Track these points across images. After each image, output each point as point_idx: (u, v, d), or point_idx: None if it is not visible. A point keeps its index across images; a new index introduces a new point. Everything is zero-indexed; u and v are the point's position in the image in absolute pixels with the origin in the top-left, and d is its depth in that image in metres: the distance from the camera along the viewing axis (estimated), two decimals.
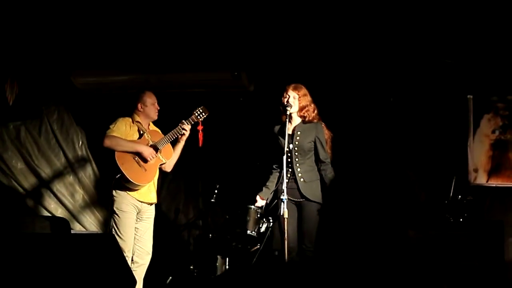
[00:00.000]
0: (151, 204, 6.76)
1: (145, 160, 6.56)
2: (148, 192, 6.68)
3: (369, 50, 7.87)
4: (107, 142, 6.47)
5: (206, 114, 6.84)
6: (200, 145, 6.91)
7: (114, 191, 6.55)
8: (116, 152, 6.44)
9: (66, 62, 8.48)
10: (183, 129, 6.71)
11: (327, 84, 8.16)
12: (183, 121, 6.73)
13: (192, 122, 6.77)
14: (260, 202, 6.82)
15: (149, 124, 6.83)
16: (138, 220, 6.66)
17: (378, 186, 8.11)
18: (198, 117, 6.80)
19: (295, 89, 6.64)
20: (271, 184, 6.79)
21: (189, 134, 6.78)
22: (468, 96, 8.16)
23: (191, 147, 7.01)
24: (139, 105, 6.72)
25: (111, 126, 6.61)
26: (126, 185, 6.50)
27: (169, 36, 7.89)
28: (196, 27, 7.68)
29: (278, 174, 6.72)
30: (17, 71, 8.44)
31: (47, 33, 7.83)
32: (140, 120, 6.73)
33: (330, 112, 7.17)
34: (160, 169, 6.83)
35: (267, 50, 8.05)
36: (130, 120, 6.71)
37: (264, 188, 6.82)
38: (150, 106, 6.75)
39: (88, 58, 8.37)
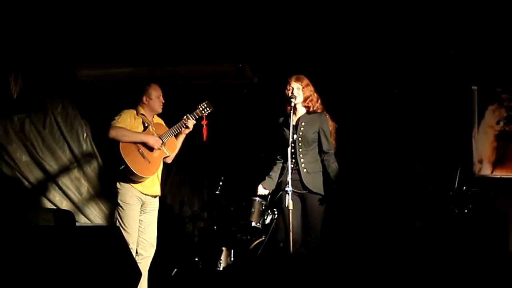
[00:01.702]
0: (155, 196, 6.76)
1: (150, 149, 6.56)
2: (152, 184, 6.68)
3: (374, 41, 7.85)
4: (112, 133, 6.46)
5: (211, 109, 6.82)
6: (205, 139, 6.90)
7: (118, 183, 6.56)
8: (120, 143, 6.43)
9: (70, 55, 8.49)
10: (187, 124, 6.70)
11: (332, 75, 8.16)
12: (188, 115, 6.71)
13: (197, 117, 6.75)
14: (262, 191, 6.78)
15: (153, 117, 6.82)
16: (142, 212, 6.66)
17: (384, 178, 8.11)
18: (203, 111, 6.79)
19: (297, 80, 6.62)
20: (274, 174, 6.77)
21: (193, 127, 6.77)
22: (473, 87, 8.15)
23: (196, 140, 7.01)
24: (144, 98, 6.71)
25: (116, 118, 6.59)
26: (130, 177, 6.49)
27: (173, 28, 7.88)
28: (200, 19, 7.67)
29: (281, 165, 6.72)
30: (21, 63, 8.44)
31: (51, 25, 7.83)
32: (144, 113, 6.72)
33: (335, 104, 7.16)
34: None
35: (271, 41, 8.04)
36: (135, 112, 6.71)
37: (267, 178, 6.79)
38: (155, 99, 6.73)
39: (92, 51, 8.38)
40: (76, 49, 8.37)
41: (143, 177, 6.51)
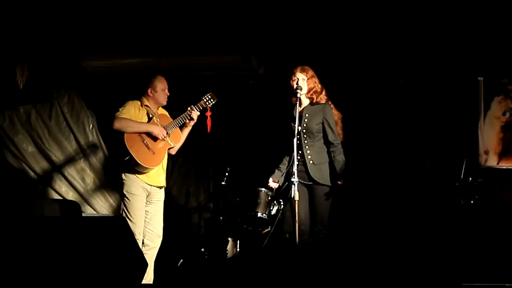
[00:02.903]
0: (160, 187, 6.77)
1: (155, 140, 6.57)
2: (157, 175, 6.69)
3: (380, 32, 7.83)
4: (117, 124, 6.47)
5: (215, 101, 6.83)
6: (209, 131, 6.91)
7: (123, 174, 6.56)
8: (125, 134, 6.44)
9: (76, 46, 8.47)
10: (192, 115, 6.70)
11: (338, 66, 8.15)
12: (192, 106, 6.72)
13: (201, 108, 6.75)
14: (273, 184, 6.80)
15: (157, 108, 6.82)
16: (148, 203, 6.67)
17: (391, 169, 8.10)
18: (207, 103, 6.79)
19: (302, 71, 6.61)
20: (283, 166, 6.77)
21: (198, 119, 6.77)
22: (479, 78, 8.14)
23: (201, 131, 7.01)
24: (149, 90, 6.70)
25: (120, 109, 6.59)
26: (135, 168, 6.50)
27: (179, 19, 7.87)
28: (206, 10, 7.66)
29: (289, 156, 6.71)
30: (28, 54, 8.44)
31: (57, 16, 7.82)
32: (149, 104, 6.72)
33: (341, 95, 7.15)
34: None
35: (276, 32, 8.02)
36: (139, 103, 6.71)
37: (276, 171, 6.80)
38: (160, 91, 6.73)
39: (98, 42, 8.37)
40: (82, 40, 8.36)
41: (147, 168, 6.51)
